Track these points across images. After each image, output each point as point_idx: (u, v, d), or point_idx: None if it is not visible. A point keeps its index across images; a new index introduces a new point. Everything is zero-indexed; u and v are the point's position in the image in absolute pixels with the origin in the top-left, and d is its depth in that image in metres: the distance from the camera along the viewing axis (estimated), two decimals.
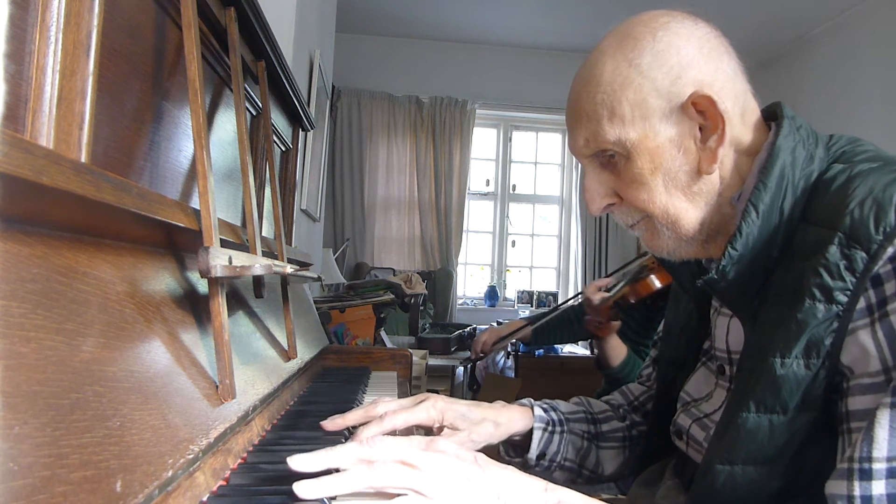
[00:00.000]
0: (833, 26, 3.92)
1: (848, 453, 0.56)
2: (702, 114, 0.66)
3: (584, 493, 0.60)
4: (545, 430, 0.91)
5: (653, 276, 1.76)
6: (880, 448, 0.53)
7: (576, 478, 0.94)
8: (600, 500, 0.63)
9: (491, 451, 0.73)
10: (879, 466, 0.53)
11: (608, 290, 1.73)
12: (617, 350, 1.67)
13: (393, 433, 0.73)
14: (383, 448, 0.54)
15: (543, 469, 0.92)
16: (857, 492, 0.53)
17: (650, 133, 0.67)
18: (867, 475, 0.53)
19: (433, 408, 0.79)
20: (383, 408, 0.77)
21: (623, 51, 0.68)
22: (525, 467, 0.90)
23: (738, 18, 3.89)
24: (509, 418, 0.88)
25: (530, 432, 0.90)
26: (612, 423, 0.98)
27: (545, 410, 0.93)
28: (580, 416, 0.96)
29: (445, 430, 0.81)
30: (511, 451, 0.94)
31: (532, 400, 0.94)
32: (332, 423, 0.73)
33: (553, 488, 0.58)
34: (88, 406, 0.39)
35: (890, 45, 3.48)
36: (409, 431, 0.78)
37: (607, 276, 1.84)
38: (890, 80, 3.48)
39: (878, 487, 0.52)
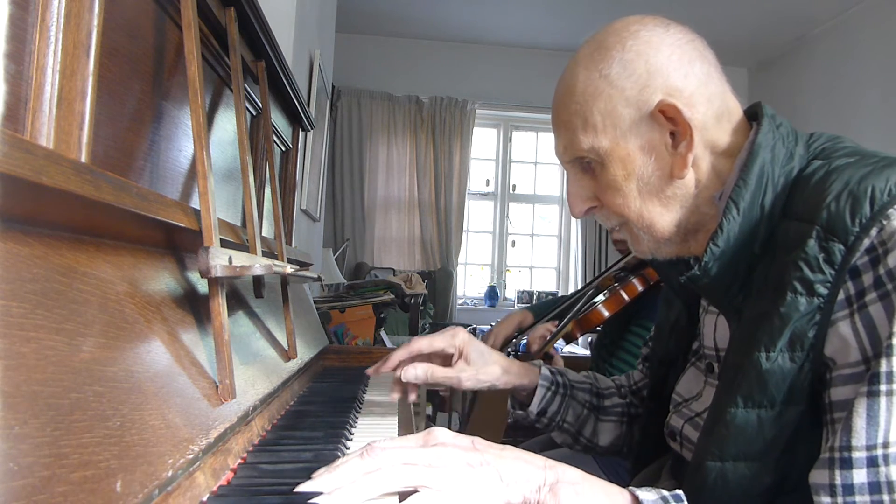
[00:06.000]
0: (833, 26, 3.92)
1: (829, 443, 0.57)
2: (671, 120, 0.68)
3: None
4: (548, 389, 0.97)
5: (600, 307, 1.69)
6: (858, 437, 0.54)
7: (573, 443, 1.00)
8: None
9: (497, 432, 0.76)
10: (859, 455, 0.54)
11: (553, 335, 1.72)
12: None
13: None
14: (385, 456, 0.54)
15: (544, 426, 0.99)
16: (838, 480, 0.55)
17: (621, 141, 0.69)
18: (847, 464, 0.54)
19: (455, 337, 0.90)
20: (413, 342, 0.90)
21: (594, 61, 0.70)
22: (527, 420, 0.99)
23: (739, 18, 3.89)
24: (517, 371, 0.95)
25: (535, 390, 0.96)
26: (613, 399, 1.02)
27: (552, 373, 0.99)
28: (585, 387, 1.01)
29: (460, 362, 0.89)
30: (517, 405, 1.00)
31: (542, 362, 1.01)
32: (387, 365, 0.87)
33: (552, 465, 0.58)
34: (88, 406, 0.39)
35: (890, 45, 3.48)
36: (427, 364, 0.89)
37: (551, 321, 1.81)
38: (890, 80, 3.48)
39: (859, 476, 0.54)
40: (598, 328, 1.74)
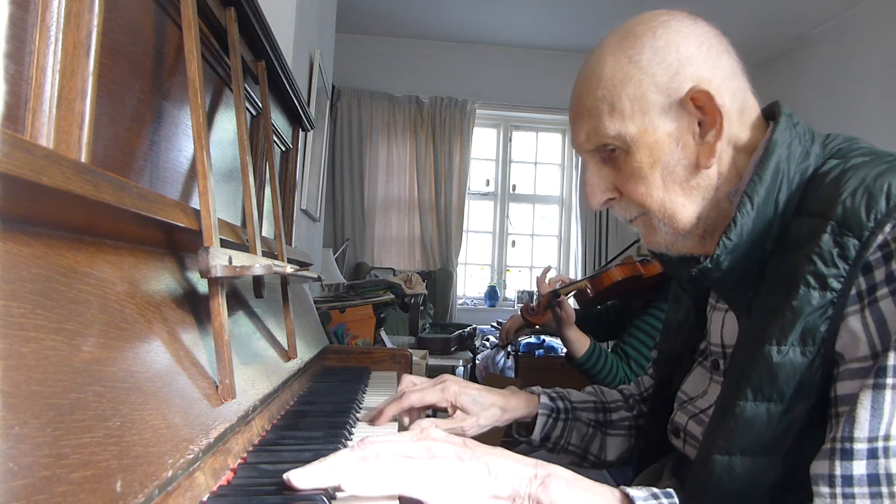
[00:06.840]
0: (833, 26, 3.92)
1: (832, 434, 0.57)
2: (700, 109, 0.68)
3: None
4: (549, 416, 0.97)
5: (614, 269, 1.79)
6: (861, 428, 0.54)
7: (581, 462, 1.00)
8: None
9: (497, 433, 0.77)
10: (860, 446, 0.54)
11: (565, 285, 1.80)
12: (579, 343, 1.71)
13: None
14: (377, 447, 0.55)
15: (548, 450, 0.98)
16: (838, 471, 0.55)
17: (649, 127, 0.68)
18: (848, 455, 0.54)
19: (446, 390, 0.89)
20: (405, 384, 0.89)
21: (623, 48, 0.70)
22: (532, 446, 0.98)
23: (739, 18, 3.89)
24: (515, 405, 0.95)
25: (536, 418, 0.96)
26: (620, 413, 1.01)
27: (552, 399, 0.98)
28: (589, 406, 1.01)
29: (458, 413, 0.88)
30: (522, 431, 1.00)
31: (541, 388, 1.00)
32: (381, 419, 0.85)
33: (543, 464, 0.59)
34: (88, 406, 0.39)
35: (890, 45, 3.48)
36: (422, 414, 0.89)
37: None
38: (890, 80, 3.48)
39: (859, 467, 0.54)
40: (610, 292, 1.79)
